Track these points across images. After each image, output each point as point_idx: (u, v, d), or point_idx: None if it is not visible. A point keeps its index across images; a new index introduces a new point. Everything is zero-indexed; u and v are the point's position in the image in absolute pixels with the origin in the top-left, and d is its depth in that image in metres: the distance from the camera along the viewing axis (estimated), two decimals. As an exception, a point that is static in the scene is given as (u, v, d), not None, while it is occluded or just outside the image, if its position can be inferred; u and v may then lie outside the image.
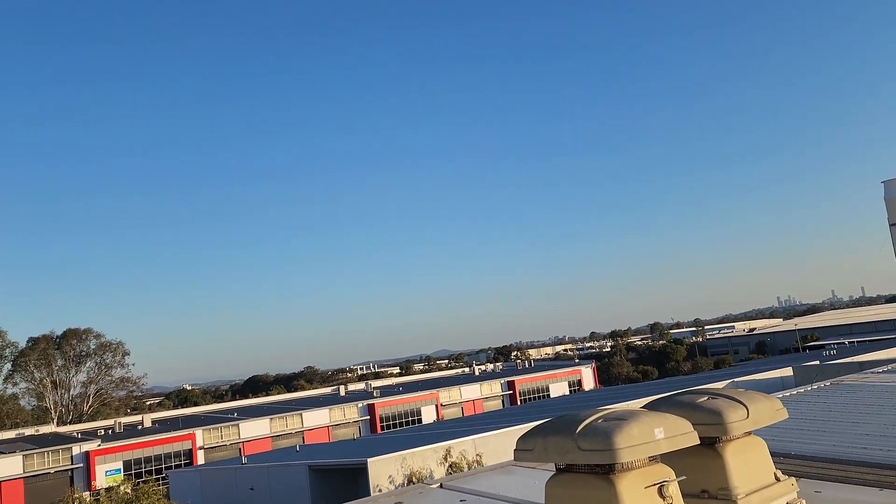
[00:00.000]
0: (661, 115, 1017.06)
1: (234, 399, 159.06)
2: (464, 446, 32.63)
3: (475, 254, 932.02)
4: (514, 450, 4.11)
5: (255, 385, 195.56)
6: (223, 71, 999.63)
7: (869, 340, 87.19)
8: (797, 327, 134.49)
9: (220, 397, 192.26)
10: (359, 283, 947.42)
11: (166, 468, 68.50)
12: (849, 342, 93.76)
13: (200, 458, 72.43)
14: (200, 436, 74.15)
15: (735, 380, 43.86)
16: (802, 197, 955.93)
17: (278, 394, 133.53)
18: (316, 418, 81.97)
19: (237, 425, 77.45)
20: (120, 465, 67.74)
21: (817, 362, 47.36)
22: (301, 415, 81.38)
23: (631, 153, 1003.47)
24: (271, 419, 79.67)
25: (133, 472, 67.63)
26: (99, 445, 68.21)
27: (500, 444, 34.95)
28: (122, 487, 23.35)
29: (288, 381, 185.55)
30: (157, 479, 59.79)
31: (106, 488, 63.41)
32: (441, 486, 6.75)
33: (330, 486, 34.22)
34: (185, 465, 69.89)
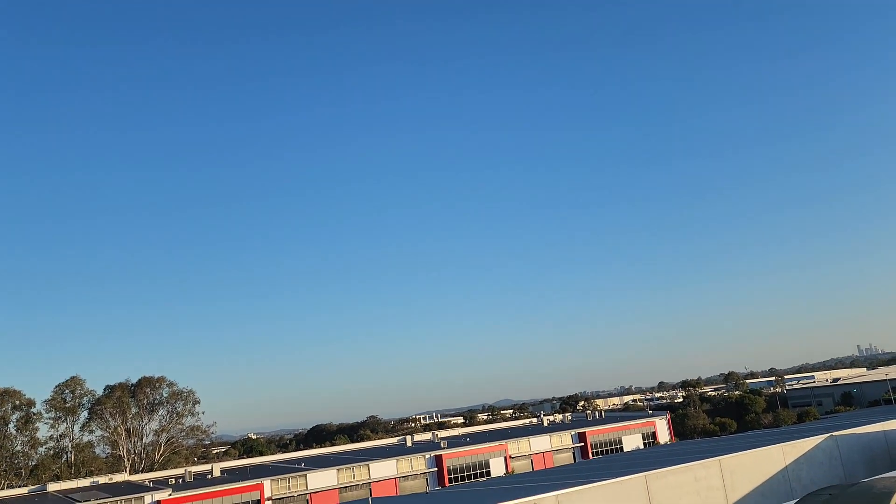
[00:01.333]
0: (750, 154, 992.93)
1: (298, 449, 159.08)
2: (548, 502, 30.72)
3: (531, 302, 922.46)
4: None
5: (319, 434, 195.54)
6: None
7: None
8: (888, 377, 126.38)
9: (284, 446, 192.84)
10: (421, 331, 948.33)
11: (235, 518, 67.97)
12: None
13: (268, 508, 71.72)
14: (269, 486, 73.59)
15: (834, 434, 40.60)
16: (880, 239, 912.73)
17: (343, 444, 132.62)
18: (383, 469, 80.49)
19: (304, 476, 76.65)
20: (191, 514, 67.50)
21: (926, 415, 43.67)
22: (368, 466, 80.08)
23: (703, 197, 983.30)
24: (338, 470, 78.60)
25: (204, 521, 67.29)
26: (170, 495, 68.29)
27: (585, 502, 32.95)
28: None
29: (352, 431, 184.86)
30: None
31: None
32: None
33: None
34: (254, 515, 69.22)
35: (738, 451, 37.93)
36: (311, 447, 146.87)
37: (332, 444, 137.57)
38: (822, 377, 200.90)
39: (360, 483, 78.30)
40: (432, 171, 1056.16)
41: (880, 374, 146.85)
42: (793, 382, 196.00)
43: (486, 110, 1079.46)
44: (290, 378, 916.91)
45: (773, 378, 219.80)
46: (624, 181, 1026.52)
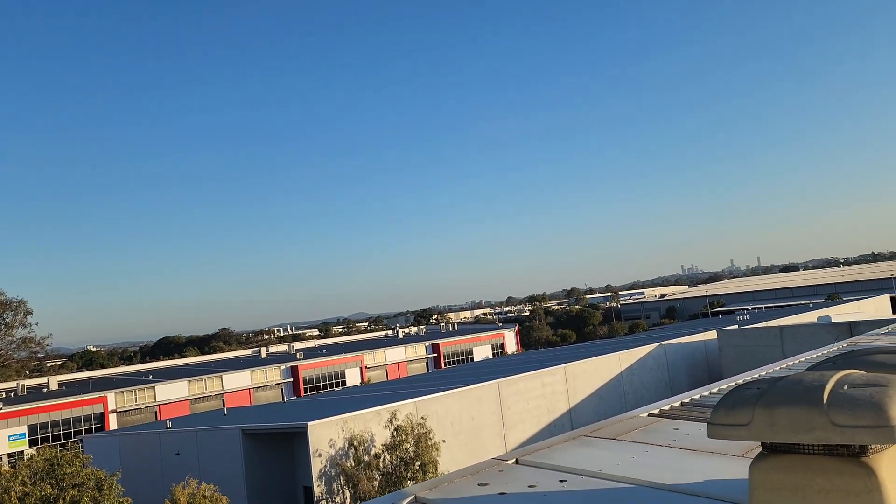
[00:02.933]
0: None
1: (144, 361, 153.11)
2: (406, 409, 31.89)
3: (388, 217, 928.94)
4: (713, 423, 3.25)
5: (167, 347, 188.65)
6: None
7: (775, 307, 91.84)
8: (707, 293, 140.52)
9: (128, 359, 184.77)
10: (273, 245, 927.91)
11: (76, 433, 64.99)
12: (752, 308, 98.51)
13: (113, 422, 69.04)
14: (113, 399, 70.61)
15: (663, 343, 44.78)
16: (704, 176, 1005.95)
17: (193, 356, 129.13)
18: (237, 381, 79.59)
19: (153, 388, 74.21)
20: (24, 429, 63.64)
21: (736, 326, 49.09)
22: (221, 377, 78.80)
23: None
24: (189, 381, 76.73)
25: (39, 436, 63.78)
26: (0, 409, 63.84)
27: (442, 408, 34.46)
28: (38, 456, 21.39)
29: (202, 343, 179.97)
30: (66, 445, 56.61)
31: (15, 453, 59.67)
32: (517, 461, 5.88)
33: (264, 450, 32.95)
34: (97, 429, 66.49)
35: (581, 360, 41.13)
36: (158, 360, 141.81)
37: (182, 357, 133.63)
38: (651, 293, 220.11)
39: (213, 394, 77.08)
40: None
41: (700, 290, 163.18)
42: (626, 298, 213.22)
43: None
44: (133, 288, 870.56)
45: (609, 294, 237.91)
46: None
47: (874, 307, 60.39)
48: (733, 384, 9.88)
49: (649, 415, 7.48)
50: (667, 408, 7.95)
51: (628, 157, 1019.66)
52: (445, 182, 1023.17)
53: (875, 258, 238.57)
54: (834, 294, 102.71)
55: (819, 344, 34.26)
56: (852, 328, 35.79)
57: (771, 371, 11.36)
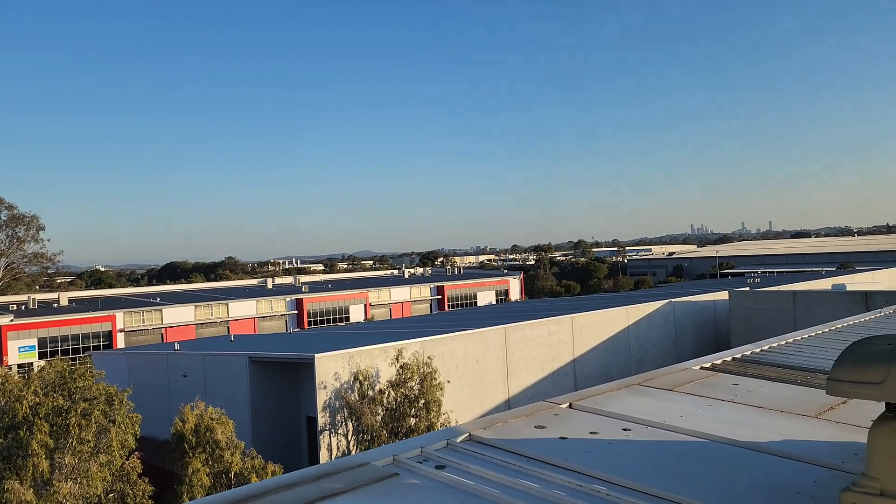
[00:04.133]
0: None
1: (151, 284, 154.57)
2: (413, 348, 31.98)
3: (399, 158, 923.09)
4: (836, 379, 2.95)
5: (174, 272, 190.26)
6: None
7: (786, 272, 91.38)
8: (718, 254, 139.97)
9: (135, 281, 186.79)
10: (284, 178, 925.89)
11: (84, 349, 65.95)
12: (762, 271, 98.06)
13: (120, 341, 70.03)
14: (121, 318, 71.42)
15: (673, 300, 44.62)
16: (712, 139, 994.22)
17: (200, 282, 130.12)
18: (242, 309, 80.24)
19: (160, 310, 74.93)
20: (34, 341, 64.62)
21: (748, 288, 48.83)
22: (227, 304, 79.43)
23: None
24: (196, 307, 77.41)
25: (48, 350, 64.79)
26: (12, 320, 64.69)
27: (447, 349, 34.58)
28: (50, 368, 21.53)
29: (209, 270, 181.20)
30: (74, 360, 57.51)
31: (25, 364, 60.69)
32: (570, 406, 5.63)
33: (270, 379, 33.26)
34: (104, 347, 67.46)
35: (588, 311, 41.06)
36: (164, 284, 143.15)
37: (189, 282, 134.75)
38: (659, 251, 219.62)
39: (218, 321, 77.88)
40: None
41: (710, 251, 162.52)
42: (633, 254, 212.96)
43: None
44: (143, 211, 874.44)
45: (616, 249, 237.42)
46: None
47: (888, 278, 59.87)
48: (791, 340, 9.64)
49: (702, 368, 7.25)
50: (719, 362, 7.71)
51: (641, 110, 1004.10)
52: (453, 121, 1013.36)
53: (890, 230, 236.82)
54: (847, 263, 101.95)
55: (833, 312, 34.01)
56: (868, 298, 35.45)
57: (815, 333, 11.07)
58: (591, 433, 4.73)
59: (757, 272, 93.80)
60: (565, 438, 4.60)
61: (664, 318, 42.94)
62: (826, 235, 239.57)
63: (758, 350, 8.85)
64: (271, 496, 3.76)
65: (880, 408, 3.08)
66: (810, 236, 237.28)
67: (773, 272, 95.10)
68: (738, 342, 36.28)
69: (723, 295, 45.80)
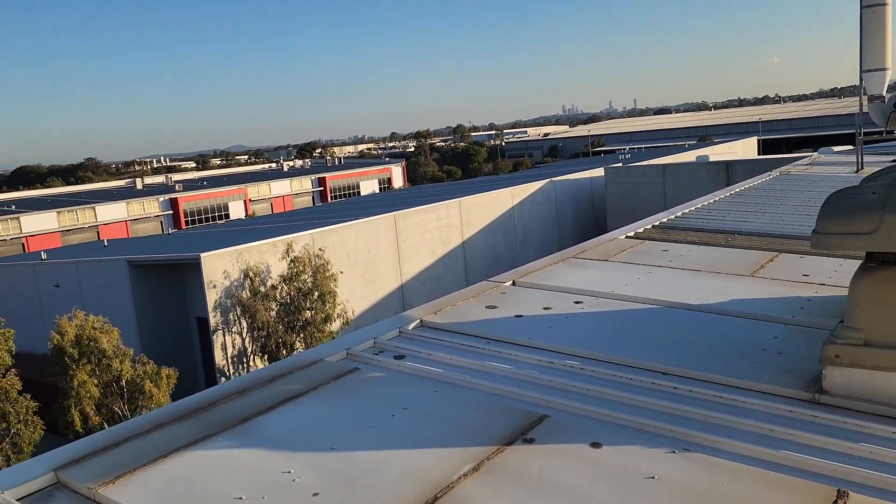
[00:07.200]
0: None
1: (1, 192, 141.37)
2: (303, 241, 31.35)
3: (268, 41, 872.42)
4: (823, 232, 2.92)
5: (26, 177, 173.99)
6: None
7: (653, 147, 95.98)
8: (590, 133, 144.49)
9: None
10: (142, 71, 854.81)
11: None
12: (630, 147, 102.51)
13: (-26, 255, 64.23)
14: (-28, 230, 65.26)
15: (553, 179, 45.83)
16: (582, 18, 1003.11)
17: (59, 186, 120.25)
18: (112, 212, 75.30)
19: (17, 218, 68.94)
20: None
21: (621, 164, 50.89)
22: (94, 208, 74.18)
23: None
24: (59, 212, 71.78)
25: None
26: None
27: (338, 239, 34.18)
28: None
29: (67, 174, 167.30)
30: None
31: None
32: (514, 283, 5.51)
33: (153, 282, 31.87)
34: (-44, 262, 61.74)
35: (475, 194, 41.59)
36: (17, 190, 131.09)
37: (46, 187, 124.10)
38: (534, 132, 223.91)
39: (86, 226, 72.74)
40: None
41: (582, 130, 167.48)
42: (510, 136, 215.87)
43: None
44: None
45: (494, 132, 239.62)
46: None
47: (743, 148, 64.20)
48: (699, 206, 10.03)
49: (626, 237, 7.37)
50: (641, 230, 7.88)
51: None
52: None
53: (741, 103, 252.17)
54: (705, 136, 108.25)
55: (700, 181, 36.10)
56: (729, 167, 37.78)
57: (719, 198, 11.56)
58: (544, 309, 4.68)
59: (626, 149, 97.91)
60: (521, 316, 4.53)
61: (546, 196, 44.15)
62: (685, 111, 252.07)
63: (672, 217, 9.15)
64: (221, 406, 3.44)
65: (810, 263, 3.11)
66: (671, 112, 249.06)
67: (640, 148, 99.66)
68: (615, 215, 38.16)
69: (598, 172, 47.51)
